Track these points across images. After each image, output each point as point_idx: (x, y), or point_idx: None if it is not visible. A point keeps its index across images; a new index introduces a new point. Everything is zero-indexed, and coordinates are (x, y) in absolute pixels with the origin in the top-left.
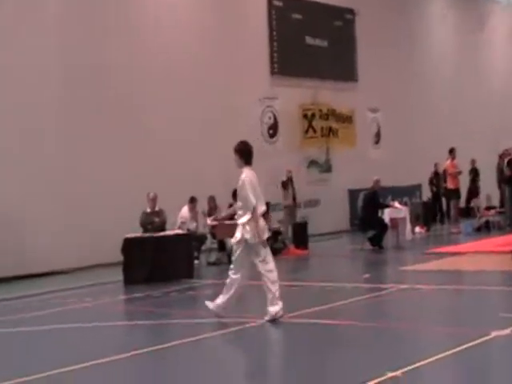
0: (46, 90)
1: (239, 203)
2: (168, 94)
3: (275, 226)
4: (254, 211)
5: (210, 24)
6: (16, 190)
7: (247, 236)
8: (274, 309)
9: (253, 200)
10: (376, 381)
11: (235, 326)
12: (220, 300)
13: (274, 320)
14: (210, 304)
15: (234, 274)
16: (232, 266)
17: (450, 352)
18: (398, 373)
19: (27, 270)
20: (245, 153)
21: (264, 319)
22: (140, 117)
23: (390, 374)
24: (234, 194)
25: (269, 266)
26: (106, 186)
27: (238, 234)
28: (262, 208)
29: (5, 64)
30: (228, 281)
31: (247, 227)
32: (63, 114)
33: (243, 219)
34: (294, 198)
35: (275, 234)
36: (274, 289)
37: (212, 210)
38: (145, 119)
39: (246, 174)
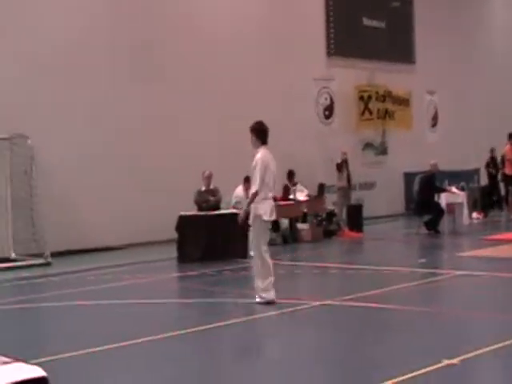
0: (102, 75)
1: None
2: (224, 74)
3: (330, 207)
4: (255, 194)
5: (267, 5)
6: (76, 170)
7: (261, 212)
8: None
9: (258, 185)
10: (432, 367)
11: (288, 307)
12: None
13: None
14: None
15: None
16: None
17: (510, 342)
18: (455, 361)
19: (84, 245)
20: (261, 132)
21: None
22: (196, 96)
23: (447, 362)
24: (289, 175)
25: None
26: (161, 164)
27: (255, 212)
28: (270, 193)
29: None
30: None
31: (256, 204)
32: (122, 93)
33: (259, 197)
34: (349, 180)
35: (330, 216)
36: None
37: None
38: (201, 98)
39: (262, 154)
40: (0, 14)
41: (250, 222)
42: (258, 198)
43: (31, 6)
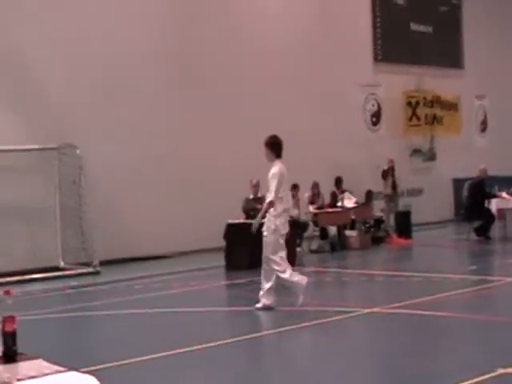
0: (150, 85)
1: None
2: (271, 81)
3: (377, 214)
4: (270, 204)
5: (314, 11)
6: (123, 179)
7: (277, 224)
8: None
9: (273, 196)
10: (486, 376)
11: (336, 314)
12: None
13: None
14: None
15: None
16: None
17: None
18: (511, 370)
19: (132, 253)
20: (276, 146)
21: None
22: (242, 105)
23: (502, 371)
24: (337, 182)
25: None
26: (209, 173)
27: (272, 226)
28: (286, 206)
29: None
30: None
31: (278, 219)
32: (169, 104)
33: (276, 210)
34: (394, 187)
35: (378, 223)
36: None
37: (315, 196)
38: (247, 107)
39: (280, 167)
40: (51, 27)
41: (266, 233)
42: (276, 212)
43: (80, 18)
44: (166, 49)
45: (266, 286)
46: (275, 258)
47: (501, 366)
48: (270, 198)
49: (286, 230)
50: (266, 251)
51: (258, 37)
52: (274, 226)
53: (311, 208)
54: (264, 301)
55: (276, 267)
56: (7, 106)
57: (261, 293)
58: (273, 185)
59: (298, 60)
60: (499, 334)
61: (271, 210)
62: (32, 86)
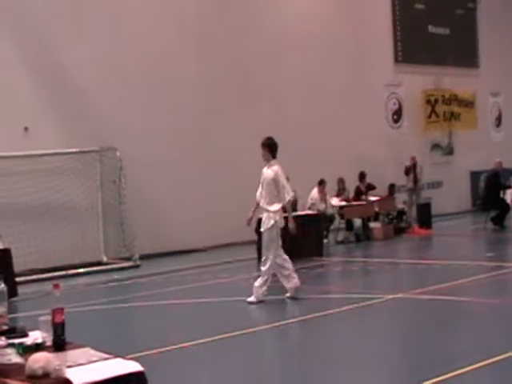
0: (186, 86)
1: (267, 191)
2: (298, 80)
3: (400, 206)
4: (286, 201)
5: (339, 15)
6: (161, 178)
7: (277, 219)
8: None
9: (290, 192)
10: (498, 358)
11: (363, 301)
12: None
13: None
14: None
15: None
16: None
17: None
18: None
19: (169, 248)
20: (272, 147)
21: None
22: (273, 105)
23: None
24: (361, 177)
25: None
26: (240, 172)
27: (271, 221)
28: (281, 203)
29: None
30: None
31: (278, 214)
32: (206, 105)
33: (275, 207)
34: (416, 181)
35: (400, 214)
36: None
37: (341, 191)
38: (278, 107)
39: (278, 167)
40: (91, 33)
41: (266, 229)
42: (276, 209)
43: (120, 25)
44: (205, 52)
45: (265, 281)
46: (269, 256)
47: None
48: (288, 196)
49: (282, 224)
50: (272, 247)
51: (287, 37)
52: (273, 221)
53: (336, 201)
54: (259, 296)
55: (266, 265)
56: (53, 113)
57: (256, 284)
58: (284, 184)
59: (325, 62)
60: None
61: (271, 207)
62: (75, 95)
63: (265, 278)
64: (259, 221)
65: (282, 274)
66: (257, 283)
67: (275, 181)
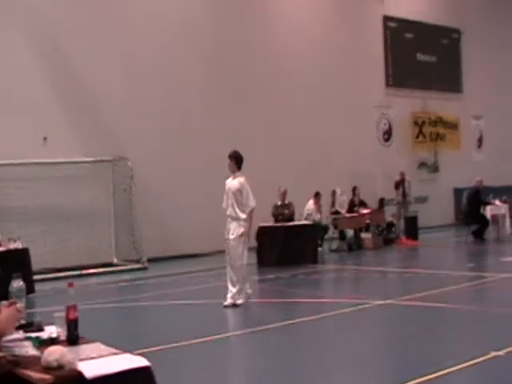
0: (195, 99)
1: (234, 200)
2: (300, 102)
3: (389, 219)
4: (252, 210)
5: (336, 44)
6: (168, 187)
7: (245, 229)
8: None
9: (253, 202)
10: (481, 359)
11: (354, 306)
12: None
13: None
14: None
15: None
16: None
17: None
18: (502, 352)
19: (176, 252)
20: (239, 159)
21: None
22: (272, 122)
23: (494, 353)
24: (354, 190)
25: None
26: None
27: (241, 229)
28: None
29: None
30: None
31: (245, 222)
32: (208, 120)
33: (243, 215)
34: (404, 196)
35: (389, 226)
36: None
37: (334, 202)
38: (277, 125)
39: (243, 178)
40: (106, 47)
41: (237, 236)
42: (244, 216)
43: (134, 37)
44: (213, 60)
45: (242, 287)
46: (243, 262)
47: (493, 350)
48: (253, 204)
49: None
50: (244, 255)
51: (286, 62)
52: (242, 229)
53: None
54: (239, 301)
55: (240, 271)
56: (70, 125)
57: (230, 294)
58: (249, 192)
59: (322, 85)
60: (492, 322)
61: (240, 215)
62: (90, 108)
63: (240, 285)
64: (259, 228)
65: (232, 278)
66: (234, 290)
67: (241, 191)
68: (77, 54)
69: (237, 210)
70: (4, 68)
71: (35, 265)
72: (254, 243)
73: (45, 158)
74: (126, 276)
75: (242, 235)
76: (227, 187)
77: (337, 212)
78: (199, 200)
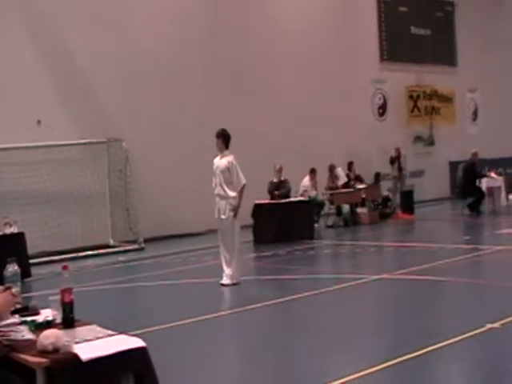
0: (191, 79)
1: (223, 179)
2: (295, 77)
3: (385, 193)
4: (243, 187)
5: (329, 18)
6: (163, 167)
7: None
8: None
9: (243, 179)
10: (477, 331)
11: (350, 281)
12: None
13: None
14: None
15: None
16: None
17: None
18: (497, 324)
19: (172, 231)
20: (226, 138)
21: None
22: (271, 101)
23: (489, 326)
24: (349, 165)
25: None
26: (240, 159)
27: (232, 208)
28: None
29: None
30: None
31: (234, 200)
32: (203, 100)
33: (233, 193)
34: (400, 170)
35: (385, 201)
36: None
37: (333, 177)
38: (275, 104)
39: (232, 156)
40: (101, 28)
41: (227, 215)
42: (234, 195)
43: (129, 20)
44: (207, 49)
45: (237, 266)
46: (236, 241)
47: (488, 322)
48: (243, 181)
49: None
50: (238, 234)
51: (280, 38)
52: (233, 210)
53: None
54: (235, 280)
55: (234, 249)
56: (64, 107)
57: (225, 274)
58: (239, 170)
59: (317, 61)
60: (488, 295)
61: (229, 193)
62: (84, 90)
63: (235, 264)
64: (255, 206)
65: (226, 257)
66: (229, 271)
67: (229, 169)
68: (70, 34)
69: (226, 189)
70: None
71: (31, 249)
72: (250, 221)
73: (39, 141)
74: (123, 257)
75: (235, 216)
76: (215, 166)
77: (337, 187)
78: (194, 180)
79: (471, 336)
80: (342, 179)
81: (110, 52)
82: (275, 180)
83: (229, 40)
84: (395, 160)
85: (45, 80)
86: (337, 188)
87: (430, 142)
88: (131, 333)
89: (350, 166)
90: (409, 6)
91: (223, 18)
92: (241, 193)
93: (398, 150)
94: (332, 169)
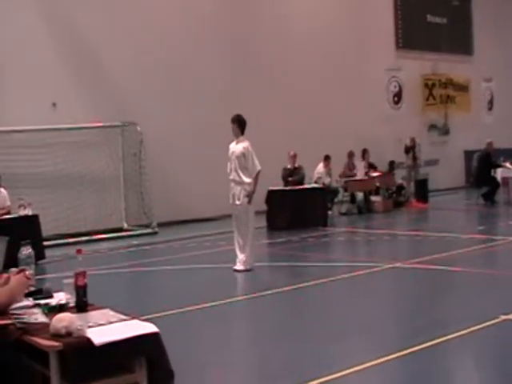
0: (205, 64)
1: (238, 165)
2: (310, 64)
3: (399, 181)
4: (258, 173)
5: (345, 8)
6: (178, 152)
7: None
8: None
9: (258, 165)
10: (491, 322)
11: (364, 269)
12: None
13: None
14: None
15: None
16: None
17: None
18: (511, 316)
19: (186, 216)
20: (243, 123)
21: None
22: (285, 89)
23: (504, 317)
24: (364, 153)
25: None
26: (254, 144)
27: (247, 194)
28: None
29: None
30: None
31: (249, 186)
32: (217, 84)
33: (248, 179)
34: (415, 159)
35: (399, 189)
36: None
37: (350, 165)
38: (290, 91)
39: (247, 142)
40: (116, 13)
41: (242, 201)
42: (249, 180)
43: (143, 5)
44: (222, 34)
45: (250, 252)
46: (250, 227)
47: (503, 313)
48: (259, 167)
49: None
50: (252, 220)
51: (295, 26)
52: (247, 197)
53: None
54: (249, 266)
55: (248, 235)
56: (79, 90)
57: (239, 259)
58: (254, 156)
59: (333, 49)
60: (502, 286)
61: (244, 179)
62: (99, 73)
63: (249, 250)
64: (269, 192)
65: (239, 243)
66: (242, 257)
67: (245, 155)
68: (86, 18)
69: (241, 175)
70: (12, 35)
71: (46, 231)
72: (263, 207)
73: (54, 124)
74: (136, 241)
75: (249, 202)
76: (230, 151)
77: (352, 176)
78: (209, 164)
79: (484, 327)
80: (359, 173)
81: (125, 36)
82: (289, 166)
83: (244, 26)
84: (410, 149)
85: (60, 63)
86: (353, 176)
87: (445, 131)
88: (144, 317)
89: (363, 153)
90: None
91: (239, 5)
92: (256, 179)
93: (413, 140)
94: (351, 156)
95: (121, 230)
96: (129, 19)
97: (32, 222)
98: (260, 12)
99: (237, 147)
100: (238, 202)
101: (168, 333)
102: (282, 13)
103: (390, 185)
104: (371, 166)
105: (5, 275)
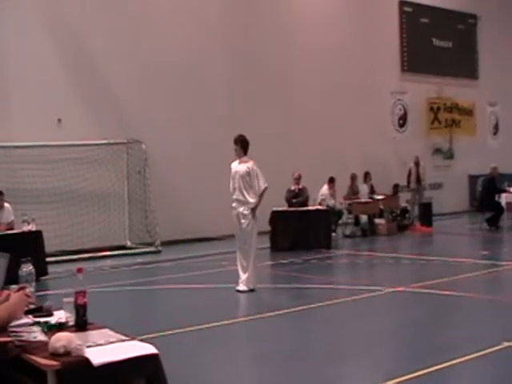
0: (209, 82)
1: (242, 184)
2: (314, 85)
3: (403, 204)
4: (263, 192)
5: (351, 30)
6: (182, 171)
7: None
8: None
9: (265, 183)
10: (493, 349)
11: (366, 292)
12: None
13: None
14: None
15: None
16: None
17: None
18: None
19: (188, 235)
20: (245, 144)
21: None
22: (290, 104)
23: (507, 344)
24: (366, 176)
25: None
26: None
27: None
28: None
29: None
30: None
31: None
32: (222, 104)
33: (253, 198)
34: (419, 181)
35: (403, 212)
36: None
37: (353, 187)
38: (293, 106)
39: (252, 162)
40: (119, 31)
41: (247, 221)
42: (254, 200)
43: (145, 21)
44: (228, 57)
45: (252, 272)
46: (253, 247)
47: (505, 340)
48: (265, 184)
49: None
50: (255, 240)
51: (302, 47)
52: (251, 216)
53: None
54: (251, 286)
55: (251, 255)
56: (85, 107)
57: (241, 280)
58: (259, 175)
59: (338, 70)
60: (505, 312)
61: (249, 199)
62: (105, 91)
63: (251, 270)
64: (272, 213)
65: (242, 264)
66: (245, 277)
67: (250, 174)
68: (92, 36)
69: (245, 194)
70: (19, 52)
71: (49, 247)
72: (267, 227)
73: (58, 141)
74: (139, 259)
75: (253, 216)
76: (233, 171)
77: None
78: (213, 183)
79: (486, 354)
80: (363, 197)
81: (131, 54)
82: (293, 188)
83: (247, 45)
84: (411, 172)
85: (66, 80)
86: (356, 199)
87: (450, 155)
88: (144, 336)
89: (365, 176)
90: (431, 17)
91: (241, 19)
92: (261, 196)
93: (417, 158)
94: (353, 178)
95: (124, 247)
96: (135, 38)
97: (35, 237)
98: (265, 33)
99: (240, 167)
100: (243, 221)
101: (168, 354)
102: (288, 34)
103: (394, 208)
104: (372, 191)
105: (5, 292)
